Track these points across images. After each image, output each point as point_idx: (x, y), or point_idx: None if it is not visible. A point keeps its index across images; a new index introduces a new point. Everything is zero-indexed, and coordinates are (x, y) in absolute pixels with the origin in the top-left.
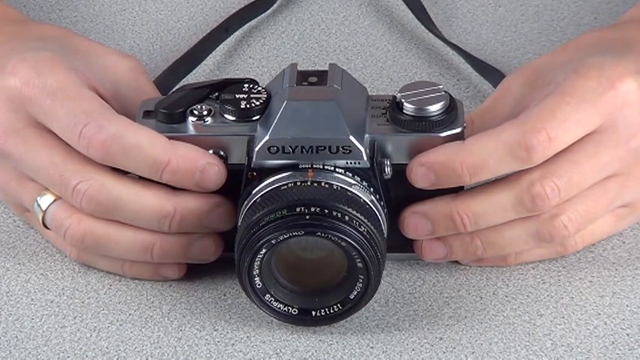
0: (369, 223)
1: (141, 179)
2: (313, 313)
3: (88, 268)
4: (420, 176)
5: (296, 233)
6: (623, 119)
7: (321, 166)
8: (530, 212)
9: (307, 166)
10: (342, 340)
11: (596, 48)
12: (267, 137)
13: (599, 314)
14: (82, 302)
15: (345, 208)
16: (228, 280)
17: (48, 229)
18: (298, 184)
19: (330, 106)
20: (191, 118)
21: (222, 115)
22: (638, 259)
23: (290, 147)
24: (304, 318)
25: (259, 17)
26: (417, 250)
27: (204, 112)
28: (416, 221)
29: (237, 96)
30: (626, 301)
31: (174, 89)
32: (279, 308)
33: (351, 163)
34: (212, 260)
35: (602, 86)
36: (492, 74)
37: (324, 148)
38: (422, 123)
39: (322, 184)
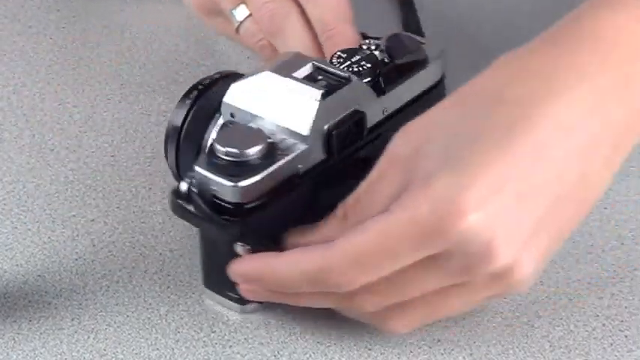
0: None
1: None
2: None
3: (86, 270)
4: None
5: None
6: (460, 253)
7: None
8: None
9: None
10: (340, 342)
11: (472, 119)
12: None
13: (598, 316)
14: (80, 304)
15: None
16: None
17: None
18: None
19: None
20: None
21: None
22: (637, 260)
23: None
24: None
25: None
26: None
27: None
28: None
29: None
30: (625, 303)
31: None
32: None
33: None
34: None
35: (433, 226)
36: None
37: None
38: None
39: None
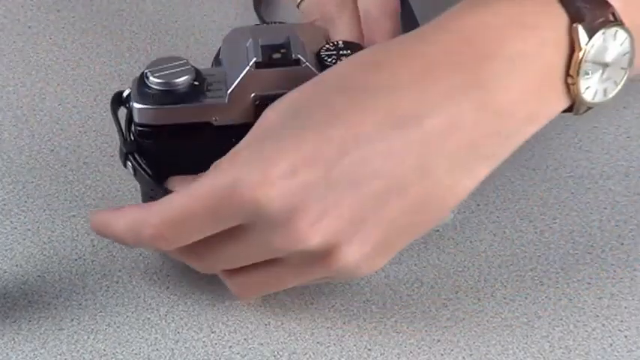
0: None
1: None
2: None
3: (86, 270)
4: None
5: None
6: (261, 222)
7: None
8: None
9: None
10: (340, 343)
11: (311, 103)
12: None
13: (597, 316)
14: (80, 304)
15: None
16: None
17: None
18: None
19: None
20: None
21: None
22: (637, 261)
23: None
24: None
25: None
26: None
27: None
28: None
29: None
30: (625, 303)
31: None
32: None
33: None
34: None
35: (232, 196)
36: None
37: None
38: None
39: None
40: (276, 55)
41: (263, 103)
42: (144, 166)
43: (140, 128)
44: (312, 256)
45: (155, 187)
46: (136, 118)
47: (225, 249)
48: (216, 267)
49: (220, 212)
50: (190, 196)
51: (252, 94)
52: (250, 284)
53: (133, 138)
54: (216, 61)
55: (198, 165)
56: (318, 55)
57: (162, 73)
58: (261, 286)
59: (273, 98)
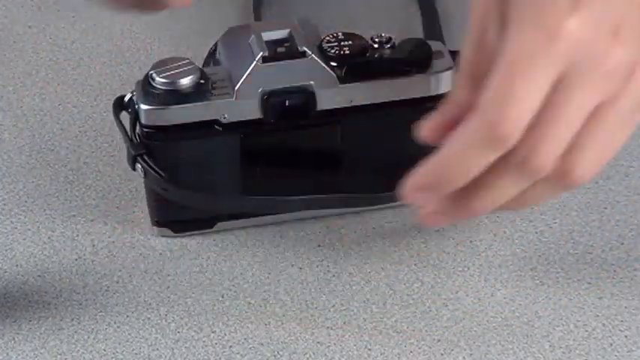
0: None
1: None
2: None
3: (86, 270)
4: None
5: None
6: (580, 58)
7: None
8: (535, 179)
9: None
10: (340, 343)
11: None
12: None
13: (598, 316)
14: (80, 304)
15: None
16: (226, 282)
17: None
18: None
19: None
20: None
21: None
22: (637, 260)
23: None
24: None
25: None
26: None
27: None
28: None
29: None
30: (625, 303)
31: None
32: None
33: None
34: None
35: (547, 39)
36: None
37: None
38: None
39: None
40: (281, 49)
41: (271, 97)
42: (154, 167)
43: (147, 130)
44: (626, 70)
45: (168, 187)
46: (143, 120)
47: (566, 99)
48: (559, 138)
49: (547, 61)
50: (518, 54)
51: (260, 89)
52: (592, 154)
53: (139, 140)
54: (213, 60)
55: (207, 163)
56: (320, 47)
57: (168, 74)
58: (601, 151)
59: (281, 92)
